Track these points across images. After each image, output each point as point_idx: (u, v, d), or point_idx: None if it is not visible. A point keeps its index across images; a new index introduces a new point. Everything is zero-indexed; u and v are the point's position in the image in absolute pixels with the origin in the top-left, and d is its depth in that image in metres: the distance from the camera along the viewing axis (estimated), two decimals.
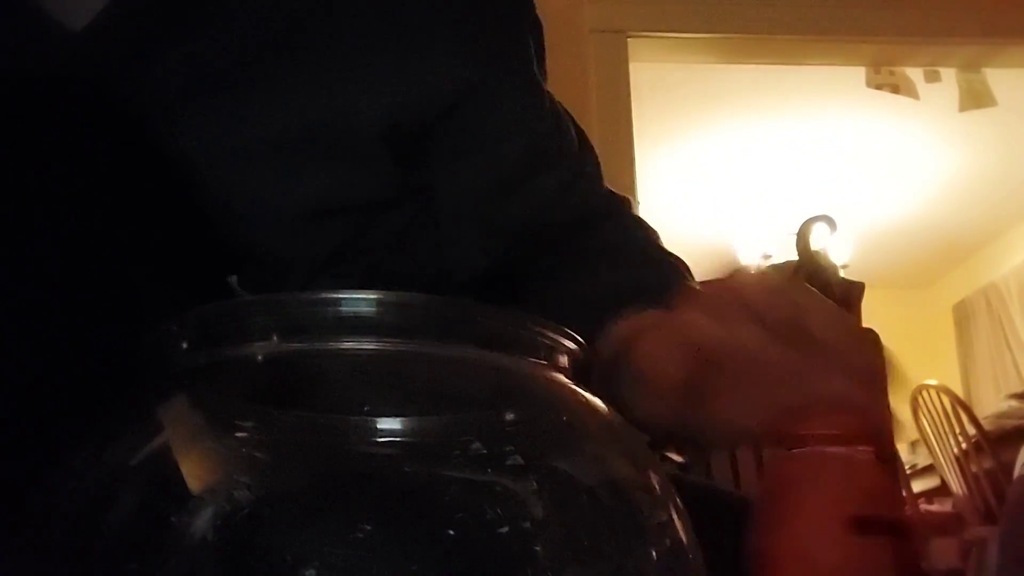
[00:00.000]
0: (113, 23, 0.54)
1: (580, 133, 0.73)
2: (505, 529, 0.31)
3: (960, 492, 3.22)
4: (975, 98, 2.92)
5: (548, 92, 0.70)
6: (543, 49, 0.71)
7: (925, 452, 3.51)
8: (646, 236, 0.72)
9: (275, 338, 0.35)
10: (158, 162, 0.53)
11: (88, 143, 0.48)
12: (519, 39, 0.68)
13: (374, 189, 0.63)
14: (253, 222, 0.59)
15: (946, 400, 3.20)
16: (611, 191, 0.75)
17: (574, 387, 0.39)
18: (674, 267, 0.69)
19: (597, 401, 0.40)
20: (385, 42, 0.61)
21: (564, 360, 0.39)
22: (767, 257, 4.35)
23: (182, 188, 0.55)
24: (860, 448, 0.45)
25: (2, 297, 0.43)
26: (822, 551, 0.42)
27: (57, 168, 0.46)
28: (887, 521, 0.43)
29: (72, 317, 0.45)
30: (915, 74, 2.92)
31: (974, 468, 3.08)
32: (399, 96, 0.61)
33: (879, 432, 0.46)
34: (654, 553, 0.35)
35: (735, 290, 0.48)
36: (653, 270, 0.67)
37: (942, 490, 3.45)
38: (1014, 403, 3.40)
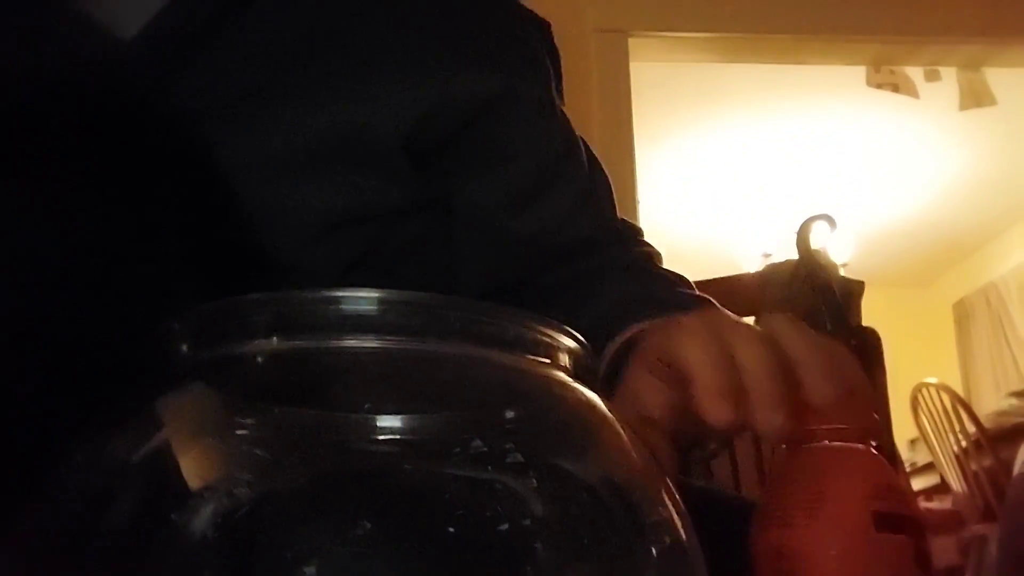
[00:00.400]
0: (158, 35, 0.55)
1: (591, 156, 0.74)
2: (505, 527, 0.31)
3: (960, 490, 3.22)
4: (975, 97, 2.92)
5: (563, 114, 0.72)
6: (560, 76, 0.73)
7: (925, 450, 3.51)
8: (650, 259, 0.74)
9: (276, 336, 0.35)
10: (187, 170, 0.54)
11: (124, 148, 0.48)
12: (537, 58, 0.70)
13: (395, 198, 0.64)
14: (278, 232, 0.59)
15: (946, 398, 3.20)
16: (623, 219, 0.76)
17: (575, 385, 0.39)
18: (674, 284, 0.70)
19: (597, 399, 0.39)
20: (408, 55, 0.62)
21: (565, 358, 0.39)
22: (767, 256, 4.34)
23: (208, 195, 0.55)
24: (872, 444, 0.44)
25: (4, 296, 0.43)
26: (854, 547, 0.42)
27: (81, 169, 0.46)
28: (908, 517, 0.43)
29: (75, 317, 0.45)
30: (915, 73, 2.92)
31: (974, 466, 3.08)
32: (421, 108, 0.62)
33: (878, 429, 0.46)
34: (654, 551, 0.35)
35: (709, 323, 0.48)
36: (650, 289, 0.68)
37: (942, 488, 3.44)
38: (1014, 401, 3.40)
